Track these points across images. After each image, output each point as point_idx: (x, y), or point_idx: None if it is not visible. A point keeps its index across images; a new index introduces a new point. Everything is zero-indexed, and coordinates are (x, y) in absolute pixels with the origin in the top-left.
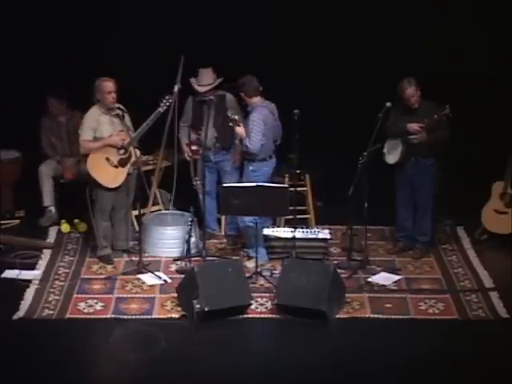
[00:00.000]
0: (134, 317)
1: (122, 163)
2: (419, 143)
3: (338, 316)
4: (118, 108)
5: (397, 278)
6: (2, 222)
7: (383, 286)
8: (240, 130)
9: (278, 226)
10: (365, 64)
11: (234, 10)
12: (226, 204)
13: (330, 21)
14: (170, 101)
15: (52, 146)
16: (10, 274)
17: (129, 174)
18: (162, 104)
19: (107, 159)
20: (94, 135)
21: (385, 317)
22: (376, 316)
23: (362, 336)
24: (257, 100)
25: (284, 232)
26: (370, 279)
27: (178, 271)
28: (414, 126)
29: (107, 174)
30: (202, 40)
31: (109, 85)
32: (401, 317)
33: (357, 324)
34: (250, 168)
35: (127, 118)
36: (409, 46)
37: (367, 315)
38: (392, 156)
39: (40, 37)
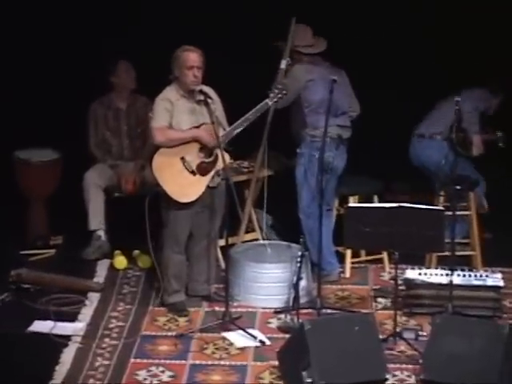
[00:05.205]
0: None
1: (203, 170)
2: None
3: None
4: (200, 91)
5: None
6: (33, 251)
7: None
8: None
9: (428, 268)
10: None
11: None
12: (351, 232)
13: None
14: (284, 92)
15: (104, 143)
16: (41, 326)
17: (213, 188)
18: (271, 95)
19: (182, 160)
20: (170, 121)
21: None
22: None
23: None
24: None
25: (436, 276)
26: None
27: (281, 329)
28: None
29: (179, 181)
30: None
31: (191, 57)
32: None
33: None
34: None
35: (216, 107)
36: None
37: None
38: None
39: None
